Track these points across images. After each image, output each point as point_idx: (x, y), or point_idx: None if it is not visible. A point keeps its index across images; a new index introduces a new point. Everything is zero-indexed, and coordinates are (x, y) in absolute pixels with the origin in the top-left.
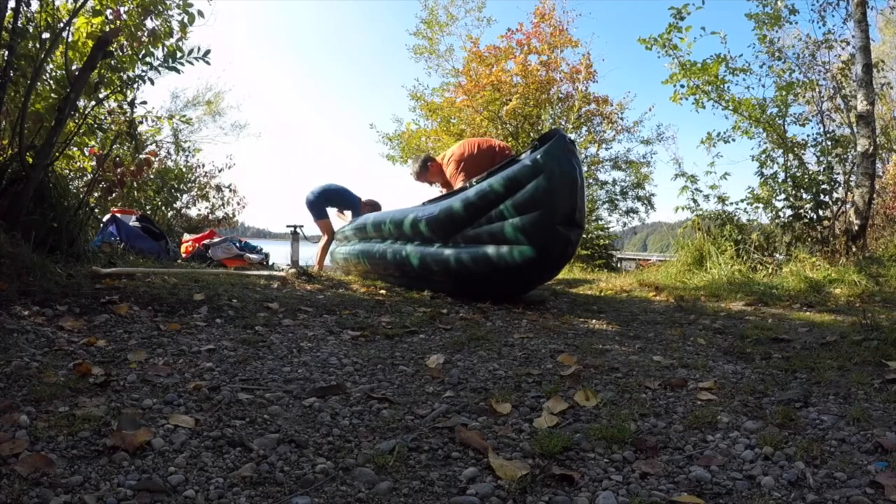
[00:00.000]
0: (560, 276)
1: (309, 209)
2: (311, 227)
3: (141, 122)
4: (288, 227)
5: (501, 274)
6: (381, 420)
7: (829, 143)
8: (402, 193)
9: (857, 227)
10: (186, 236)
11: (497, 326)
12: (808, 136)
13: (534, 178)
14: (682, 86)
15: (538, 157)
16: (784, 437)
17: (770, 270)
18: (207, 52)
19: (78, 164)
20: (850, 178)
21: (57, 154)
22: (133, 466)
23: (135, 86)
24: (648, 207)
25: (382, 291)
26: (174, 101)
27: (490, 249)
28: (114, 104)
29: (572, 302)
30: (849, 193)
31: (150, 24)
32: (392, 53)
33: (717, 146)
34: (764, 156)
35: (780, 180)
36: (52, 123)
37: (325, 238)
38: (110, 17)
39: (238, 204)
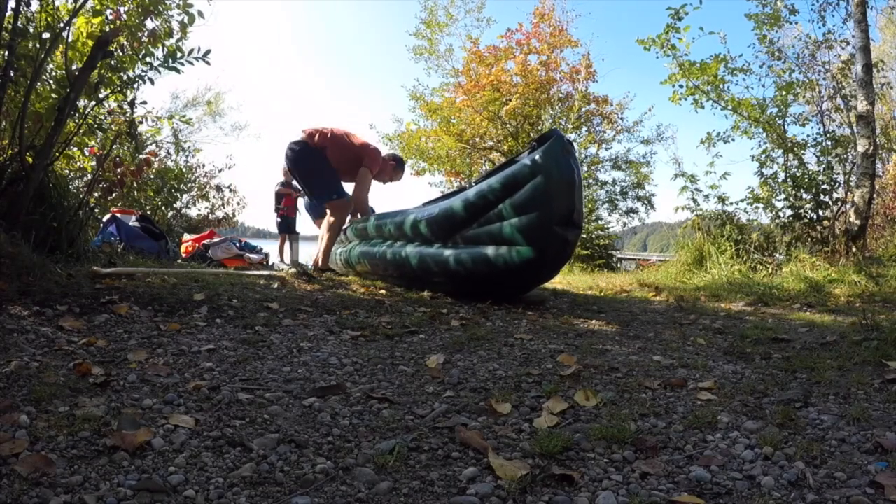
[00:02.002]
0: (560, 276)
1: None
2: (310, 227)
3: (141, 122)
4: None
5: (500, 274)
6: (381, 420)
7: (829, 143)
8: (401, 193)
9: (857, 227)
10: (186, 236)
11: (497, 326)
12: (808, 136)
13: (532, 178)
14: (681, 86)
15: (536, 157)
16: (784, 437)
17: (770, 270)
18: (208, 52)
19: (78, 164)
20: (850, 178)
21: (57, 154)
22: (133, 466)
23: (135, 86)
24: (648, 207)
25: (382, 291)
26: (174, 102)
27: (489, 250)
28: (114, 104)
29: (572, 302)
30: (849, 193)
31: (150, 24)
32: (392, 54)
33: (716, 146)
34: (764, 156)
35: (780, 180)
36: (52, 123)
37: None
38: (110, 17)
39: (238, 204)
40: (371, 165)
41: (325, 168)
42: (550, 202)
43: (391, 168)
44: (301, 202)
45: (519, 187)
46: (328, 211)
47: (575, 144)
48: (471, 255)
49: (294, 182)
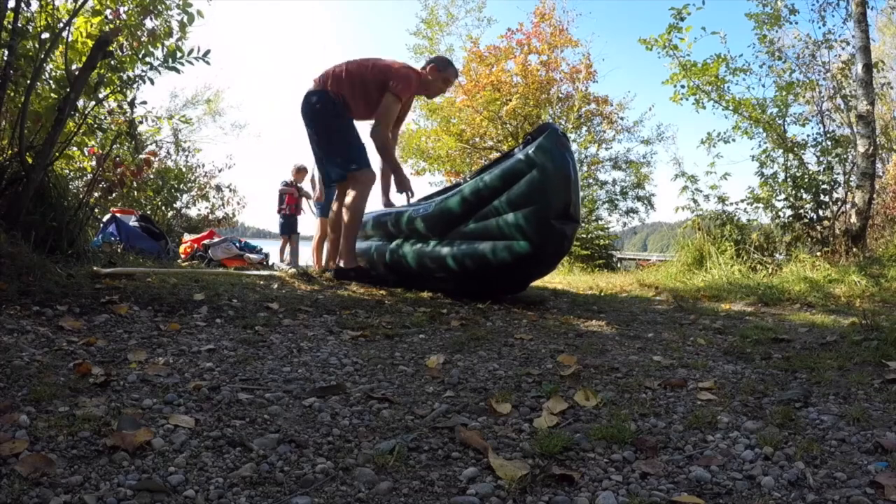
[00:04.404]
0: (560, 276)
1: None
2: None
3: (141, 122)
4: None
5: (498, 270)
6: (381, 420)
7: (829, 143)
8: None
9: (857, 228)
10: (186, 236)
11: (497, 326)
12: (808, 136)
13: (527, 172)
14: (683, 86)
15: (531, 151)
16: (784, 437)
17: (770, 270)
18: (207, 52)
19: (78, 164)
20: (850, 178)
21: (57, 154)
22: (133, 466)
23: (135, 86)
24: (648, 207)
25: (382, 292)
26: (173, 101)
27: (486, 246)
28: (114, 104)
29: (572, 302)
30: (849, 193)
31: (149, 24)
32: (392, 53)
33: (717, 146)
34: (764, 156)
35: (780, 180)
36: (52, 123)
37: (317, 236)
38: (110, 17)
39: (238, 204)
40: (400, 90)
41: (346, 127)
42: (546, 196)
43: (435, 72)
44: (307, 202)
45: (514, 182)
46: (348, 185)
47: (575, 144)
48: (468, 251)
49: (301, 184)
